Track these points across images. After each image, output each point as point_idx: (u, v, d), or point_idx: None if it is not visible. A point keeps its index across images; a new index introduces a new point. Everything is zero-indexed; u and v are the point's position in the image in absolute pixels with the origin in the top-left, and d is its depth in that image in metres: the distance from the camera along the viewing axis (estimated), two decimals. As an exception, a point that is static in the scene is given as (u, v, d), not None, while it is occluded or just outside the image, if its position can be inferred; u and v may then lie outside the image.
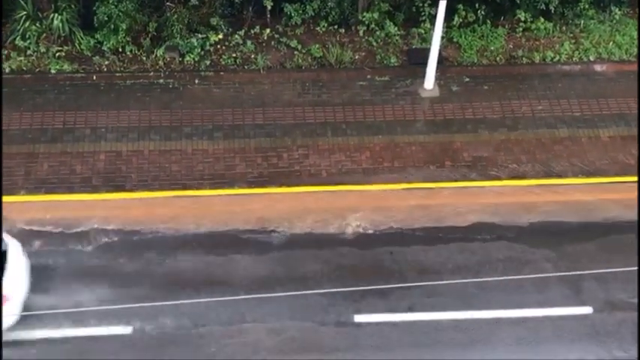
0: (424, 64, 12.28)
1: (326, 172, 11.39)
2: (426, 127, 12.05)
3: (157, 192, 10.99)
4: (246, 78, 12.53)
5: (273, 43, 12.99)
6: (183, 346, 9.46)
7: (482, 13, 13.09)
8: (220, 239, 10.46)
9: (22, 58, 12.38)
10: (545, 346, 9.63)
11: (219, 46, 12.83)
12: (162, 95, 12.20)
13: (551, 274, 10.02)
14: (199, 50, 12.61)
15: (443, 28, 11.97)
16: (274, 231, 10.60)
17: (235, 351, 9.43)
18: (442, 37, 12.30)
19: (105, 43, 12.44)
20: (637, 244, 10.32)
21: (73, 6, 12.39)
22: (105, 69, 12.47)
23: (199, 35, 12.61)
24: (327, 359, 9.43)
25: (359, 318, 9.76)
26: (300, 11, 12.98)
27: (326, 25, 13.17)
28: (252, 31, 13.01)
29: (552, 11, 12.99)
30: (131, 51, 12.58)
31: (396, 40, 13.09)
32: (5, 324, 8.90)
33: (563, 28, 13.42)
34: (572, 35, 13.36)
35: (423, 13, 13.06)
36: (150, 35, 12.54)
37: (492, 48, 13.08)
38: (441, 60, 12.41)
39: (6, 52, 12.47)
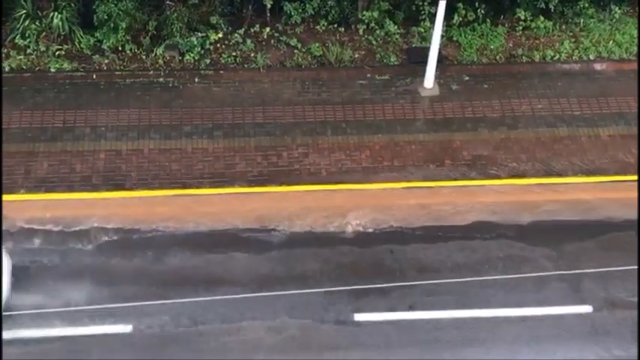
0: (424, 62, 12.27)
1: (326, 170, 11.38)
2: (426, 125, 12.04)
3: (156, 191, 11.00)
4: (246, 77, 12.52)
5: (272, 41, 12.98)
6: (183, 344, 9.47)
7: (482, 11, 13.07)
8: (220, 238, 10.47)
9: (21, 56, 12.38)
10: (545, 345, 9.64)
11: (219, 45, 12.82)
12: (162, 94, 12.19)
13: (551, 273, 10.03)
14: (199, 49, 12.60)
15: (443, 26, 11.96)
16: (274, 230, 10.61)
17: (235, 349, 9.44)
18: (442, 36, 12.30)
19: (105, 41, 12.42)
20: (637, 242, 10.32)
21: (72, 4, 12.37)
22: (105, 68, 12.46)
23: (199, 34, 12.60)
24: (327, 358, 9.42)
25: (359, 317, 9.77)
26: (300, 10, 12.97)
27: (326, 23, 13.16)
28: (252, 30, 13.00)
29: (552, 10, 13.00)
30: (131, 50, 12.57)
31: (396, 39, 13.08)
32: None
33: (563, 26, 13.42)
34: (572, 34, 13.35)
35: (422, 12, 13.05)
36: (150, 34, 12.53)
37: (492, 47, 13.07)
38: (440, 59, 12.41)
39: (6, 50, 12.46)
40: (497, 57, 12.99)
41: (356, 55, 12.90)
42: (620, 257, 10.20)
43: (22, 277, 9.89)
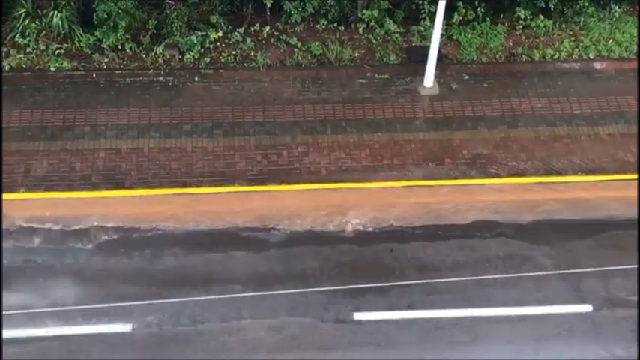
0: (424, 61, 12.24)
1: (326, 169, 11.38)
2: (426, 124, 12.03)
3: (156, 190, 10.98)
4: (245, 75, 12.49)
5: (272, 40, 12.95)
6: (182, 343, 9.47)
7: (482, 10, 13.04)
8: (220, 237, 10.46)
9: (21, 55, 12.35)
10: (545, 344, 9.64)
11: (218, 44, 12.79)
12: (161, 93, 12.17)
13: (551, 272, 10.03)
14: (199, 48, 12.56)
15: (442, 25, 11.94)
16: (274, 229, 10.60)
17: (235, 349, 9.43)
18: (442, 35, 12.27)
19: (104, 40, 12.39)
20: (637, 241, 10.31)
21: (72, 3, 12.34)
22: (104, 66, 12.43)
23: (199, 33, 12.56)
24: (327, 358, 9.42)
25: (359, 315, 9.77)
26: (300, 9, 12.94)
27: (326, 22, 13.13)
28: (252, 29, 12.97)
29: (552, 9, 12.98)
30: (131, 48, 12.53)
31: (396, 38, 13.06)
32: None
33: (563, 25, 13.38)
34: (571, 33, 13.33)
35: (422, 11, 13.03)
36: (149, 33, 12.50)
37: (492, 45, 13.05)
38: (440, 58, 12.37)
39: (6, 49, 12.44)
40: (497, 56, 12.97)
41: (356, 54, 12.88)
42: (620, 256, 10.22)
43: (19, 276, 9.88)
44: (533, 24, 13.25)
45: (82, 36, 12.43)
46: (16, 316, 9.07)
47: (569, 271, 9.86)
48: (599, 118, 12.19)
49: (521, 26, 13.29)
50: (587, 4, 13.12)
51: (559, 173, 11.45)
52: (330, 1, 12.92)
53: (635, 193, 11.01)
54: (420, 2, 13.01)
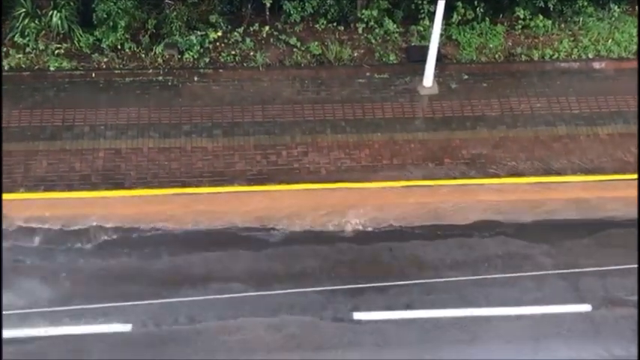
0: (423, 61, 12.23)
1: (325, 169, 11.37)
2: (425, 124, 12.02)
3: (156, 189, 10.98)
4: (245, 75, 12.47)
5: (272, 40, 12.93)
6: (182, 343, 9.47)
7: (481, 10, 13.02)
8: (219, 237, 10.45)
9: (21, 55, 12.33)
10: (544, 344, 9.63)
11: (218, 44, 12.76)
12: (161, 92, 12.15)
13: (550, 272, 10.03)
14: (198, 47, 12.54)
15: (442, 25, 11.93)
16: (273, 229, 10.60)
17: (234, 348, 9.43)
18: (441, 35, 12.27)
19: (104, 40, 12.37)
20: (637, 241, 10.31)
21: (72, 3, 12.32)
22: (104, 66, 12.41)
23: (198, 32, 12.54)
24: (326, 357, 9.42)
25: (358, 315, 9.77)
26: (299, 9, 12.92)
27: (325, 22, 13.12)
28: (251, 29, 12.95)
29: (551, 9, 12.96)
30: (130, 48, 12.52)
31: (395, 38, 13.04)
32: None
33: (562, 25, 13.36)
34: (570, 33, 13.31)
35: (422, 11, 13.01)
36: (149, 32, 12.48)
37: (491, 45, 13.03)
38: (439, 57, 12.38)
39: (5, 49, 12.41)
40: (497, 56, 12.95)
41: (355, 54, 12.87)
42: (619, 256, 10.21)
43: (18, 275, 9.87)
44: (532, 24, 13.23)
45: (81, 36, 12.41)
46: (15, 316, 9.07)
47: (569, 270, 9.86)
48: (598, 118, 12.19)
49: (520, 26, 13.27)
50: (586, 3, 13.10)
51: (558, 173, 11.45)
52: (329, 1, 12.91)
53: (635, 193, 11.01)
54: (420, 2, 13.00)
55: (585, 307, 9.94)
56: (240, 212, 10.72)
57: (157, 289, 9.79)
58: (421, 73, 12.38)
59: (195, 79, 12.40)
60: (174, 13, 12.35)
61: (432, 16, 12.16)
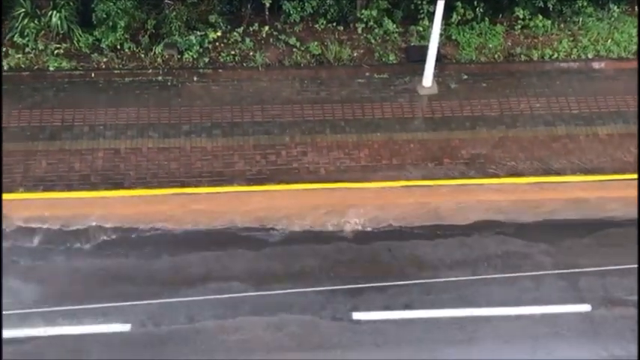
0: (423, 61, 12.23)
1: (324, 169, 11.36)
2: (425, 124, 12.01)
3: (155, 189, 10.97)
4: (244, 75, 12.47)
5: (271, 40, 12.93)
6: (181, 343, 9.45)
7: (481, 10, 13.03)
8: (218, 237, 10.44)
9: (20, 55, 12.33)
10: (543, 344, 9.63)
11: (217, 44, 12.76)
12: (160, 93, 12.15)
13: (549, 272, 10.03)
14: (198, 47, 12.54)
15: (441, 25, 11.92)
16: (273, 229, 10.59)
17: (233, 348, 9.42)
18: (440, 35, 12.27)
19: (103, 40, 12.36)
20: (637, 241, 10.29)
21: (71, 3, 12.31)
22: (103, 66, 12.40)
23: (198, 32, 12.54)
24: (326, 357, 9.41)
25: (357, 315, 9.76)
26: (299, 9, 12.91)
27: (324, 22, 13.11)
28: (251, 29, 12.95)
29: (551, 9, 12.98)
30: (129, 48, 12.51)
31: (395, 38, 13.04)
32: None
33: (562, 25, 13.36)
34: (570, 33, 13.30)
35: (421, 11, 13.00)
36: (148, 32, 12.49)
37: (491, 45, 13.03)
38: (439, 57, 12.38)
39: (4, 49, 12.40)
40: (496, 56, 12.94)
41: (355, 54, 12.86)
42: (619, 255, 10.20)
43: (15, 275, 9.85)
44: (531, 24, 13.23)
45: (80, 36, 12.41)
46: (14, 316, 9.06)
47: (568, 271, 9.86)
48: (597, 118, 12.18)
49: (519, 26, 13.27)
50: (585, 3, 13.10)
51: (558, 173, 11.44)
52: (328, 1, 12.90)
53: (635, 193, 10.99)
54: (419, 2, 12.99)
55: (585, 307, 9.93)
56: (239, 212, 10.71)
57: (156, 289, 9.78)
58: (420, 73, 12.37)
59: (195, 79, 12.40)
60: (174, 13, 12.35)
61: (431, 16, 12.15)
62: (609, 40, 13.14)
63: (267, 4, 12.78)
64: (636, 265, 9.56)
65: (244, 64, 12.60)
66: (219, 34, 12.65)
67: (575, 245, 10.53)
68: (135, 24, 12.43)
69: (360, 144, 11.66)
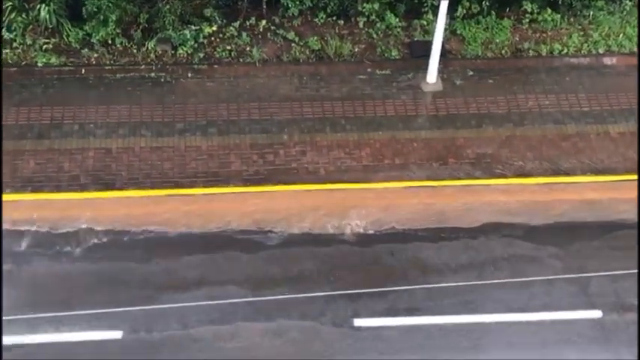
0: (426, 57, 12.19)
1: (324, 169, 11.25)
2: (429, 122, 11.95)
3: (148, 191, 10.90)
4: (241, 71, 12.41)
5: (269, 35, 12.90)
6: (176, 350, 9.37)
7: (487, 3, 13.00)
8: (214, 240, 10.39)
9: (7, 50, 12.27)
10: (553, 352, 9.55)
11: (213, 38, 12.70)
12: (153, 89, 12.08)
13: (559, 276, 10.00)
14: (192, 42, 12.50)
15: (446, 19, 11.88)
16: (271, 231, 10.53)
17: (230, 355, 9.33)
18: (445, 29, 12.22)
19: (94, 35, 12.31)
20: (637, 241, 10.27)
21: (61, -4, 12.25)
22: (94, 62, 12.35)
23: (192, 27, 12.49)
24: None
25: (358, 321, 9.66)
26: (298, 2, 12.87)
27: (324, 16, 13.06)
28: (248, 23, 12.90)
29: (560, 2, 12.97)
30: (121, 43, 12.46)
31: (398, 32, 13.02)
32: None
33: (572, 19, 13.33)
34: (580, 27, 13.27)
35: (425, 4, 12.98)
36: (141, 27, 12.43)
37: (497, 40, 12.98)
38: (444, 53, 12.33)
39: (-10, 44, 12.31)
40: (503, 51, 12.90)
41: (356, 49, 12.79)
42: (631, 259, 10.19)
43: (4, 280, 9.73)
44: (540, 18, 13.22)
45: (70, 30, 12.36)
46: (4, 322, 8.89)
47: (578, 275, 9.87)
48: (609, 116, 12.12)
49: (527, 20, 13.26)
50: (596, -4, 13.11)
51: (567, 173, 11.42)
52: (328, -6, 12.88)
53: (648, 194, 11.00)
54: (423, -5, 12.95)
55: (596, 313, 9.86)
56: (236, 214, 10.64)
57: (149, 294, 9.71)
58: (424, 69, 12.31)
59: (189, 75, 12.33)
60: (168, 7, 12.28)
61: (435, 9, 12.13)
62: (621, 35, 13.10)
63: (265, -3, 12.69)
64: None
65: (241, 60, 12.54)
66: (214, 28, 12.61)
67: (585, 248, 10.50)
68: (127, 18, 12.38)
69: (361, 143, 11.57)
